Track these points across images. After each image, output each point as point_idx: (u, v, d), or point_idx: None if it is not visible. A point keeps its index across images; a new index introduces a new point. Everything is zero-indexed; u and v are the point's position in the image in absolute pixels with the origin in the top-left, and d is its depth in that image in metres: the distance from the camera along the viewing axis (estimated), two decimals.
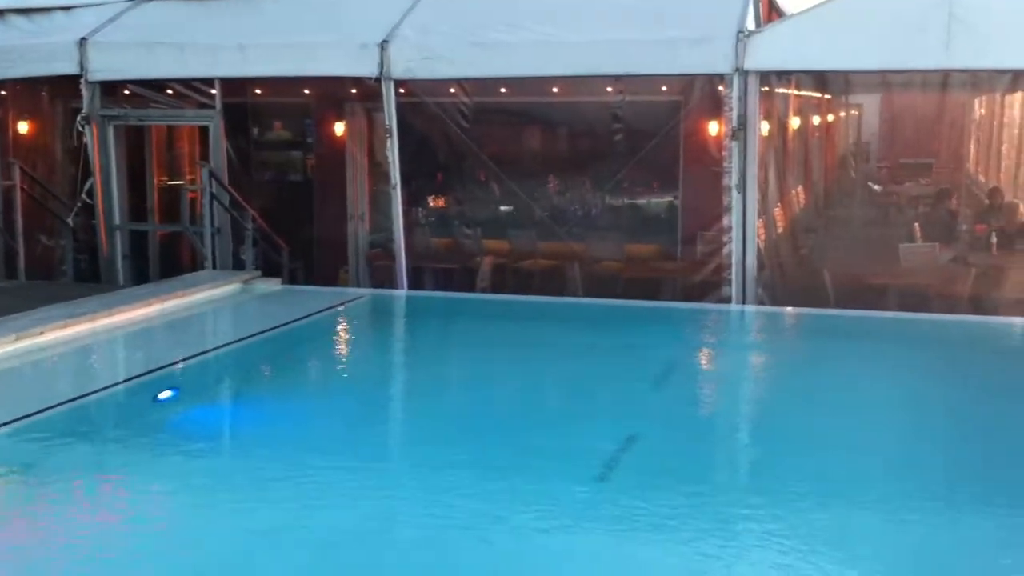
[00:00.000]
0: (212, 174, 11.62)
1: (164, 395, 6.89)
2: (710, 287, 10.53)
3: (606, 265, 11.99)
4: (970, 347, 8.66)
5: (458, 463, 5.73)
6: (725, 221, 10.28)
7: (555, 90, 12.15)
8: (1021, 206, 13.07)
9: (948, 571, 4.44)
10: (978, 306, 10.04)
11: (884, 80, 11.40)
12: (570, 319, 9.93)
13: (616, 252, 12.11)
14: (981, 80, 11.28)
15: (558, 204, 13.05)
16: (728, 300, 10.19)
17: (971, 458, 5.90)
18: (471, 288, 11.80)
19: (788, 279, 10.81)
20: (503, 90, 12.07)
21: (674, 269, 11.70)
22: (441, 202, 13.24)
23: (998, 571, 4.40)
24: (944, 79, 10.40)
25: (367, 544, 4.65)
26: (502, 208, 12.93)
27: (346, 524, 4.88)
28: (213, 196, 11.61)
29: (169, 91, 12.20)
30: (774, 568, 4.47)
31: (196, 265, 12.16)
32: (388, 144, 11.10)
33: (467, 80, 11.21)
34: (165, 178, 13.98)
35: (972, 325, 9.38)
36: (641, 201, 13.11)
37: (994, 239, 11.38)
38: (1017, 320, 8.96)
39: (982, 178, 17.73)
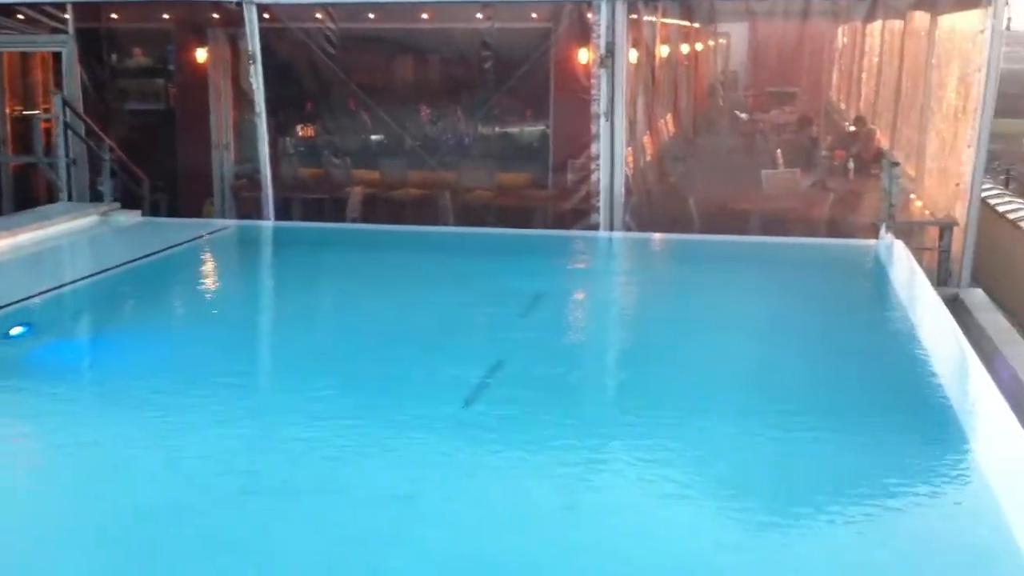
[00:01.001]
0: (66, 102, 11.14)
1: (15, 331, 6.63)
2: (579, 215, 10.63)
3: (478, 194, 11.97)
4: (827, 269, 8.94)
5: (326, 392, 5.70)
6: (594, 149, 10.36)
7: (424, 16, 11.96)
8: (878, 132, 13.52)
9: (803, 485, 4.61)
10: (835, 229, 10.38)
11: (749, 9, 11.57)
12: (441, 248, 9.90)
13: (487, 181, 12.10)
14: (841, 9, 11.55)
15: (429, 133, 12.92)
16: (597, 227, 10.30)
17: (827, 375, 6.12)
18: (341, 218, 11.66)
19: (655, 206, 10.98)
20: (371, 16, 11.83)
21: (544, 197, 11.76)
22: (309, 131, 12.97)
23: (850, 484, 4.59)
24: (806, 8, 10.60)
25: (233, 474, 4.59)
26: (372, 137, 12.75)
27: (211, 454, 4.81)
28: (67, 125, 11.15)
29: (19, 16, 11.60)
30: (639, 484, 4.60)
31: (52, 198, 11.70)
32: (252, 71, 10.80)
33: (333, 5, 10.96)
34: (19, 107, 13.37)
35: (830, 248, 9.69)
36: (513, 130, 13.09)
37: (851, 165, 11.77)
38: (871, 242, 9.27)
39: (843, 106, 18.27)
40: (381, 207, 11.88)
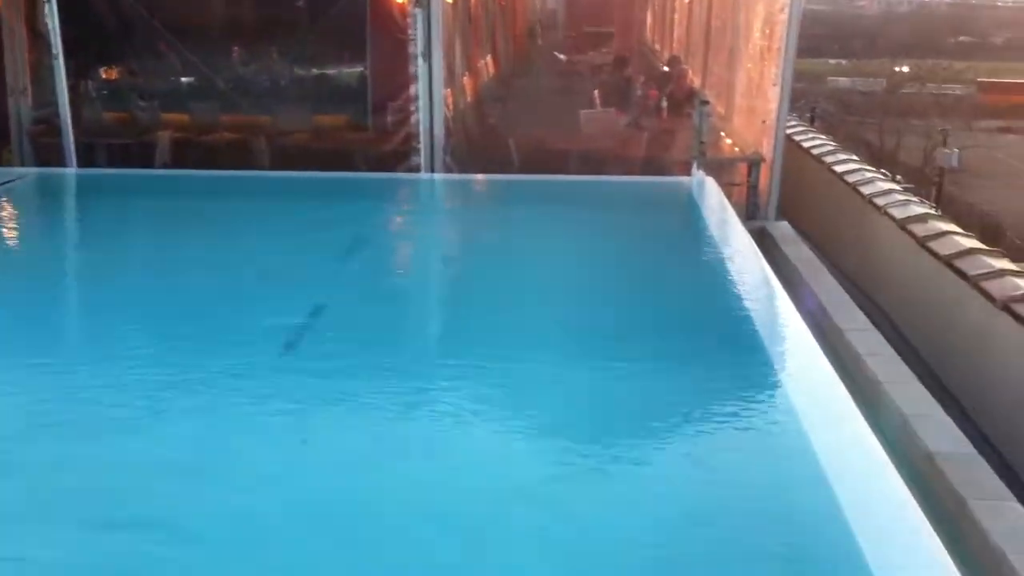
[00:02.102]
0: None
1: None
2: (400, 157, 10.50)
3: (294, 137, 11.69)
4: (643, 206, 9.14)
5: (138, 346, 5.48)
6: (412, 90, 10.22)
7: None
8: (690, 72, 13.85)
9: (622, 419, 4.73)
10: (650, 167, 10.61)
11: None
12: (256, 193, 9.61)
13: (304, 123, 11.82)
14: None
15: (243, 75, 12.51)
16: (418, 169, 10.21)
17: (644, 310, 6.26)
18: (149, 164, 11.17)
19: (476, 147, 10.97)
20: None
21: (364, 140, 11.57)
22: (113, 73, 12.34)
23: (666, 416, 4.73)
24: None
25: (36, 443, 4.37)
26: (182, 79, 12.24)
27: (13, 423, 4.56)
28: None
29: None
30: (462, 424, 4.62)
31: None
32: (47, 11, 10.16)
33: None
34: None
35: (645, 185, 9.90)
36: (330, 71, 12.80)
37: (665, 104, 12.04)
38: (684, 179, 9.51)
39: (657, 46, 18.62)
40: (192, 152, 11.43)
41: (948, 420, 5.19)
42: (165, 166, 11.19)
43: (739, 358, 5.49)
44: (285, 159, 11.16)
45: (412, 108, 10.24)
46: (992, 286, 7.08)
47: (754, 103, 10.66)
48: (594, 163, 10.66)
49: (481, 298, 6.48)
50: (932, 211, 9.59)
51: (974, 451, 4.86)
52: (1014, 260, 8.14)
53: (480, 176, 10.40)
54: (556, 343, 5.62)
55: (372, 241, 7.99)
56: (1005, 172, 53.47)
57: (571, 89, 14.15)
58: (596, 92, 12.91)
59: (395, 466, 4.19)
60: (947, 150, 43.44)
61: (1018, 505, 4.36)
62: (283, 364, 5.21)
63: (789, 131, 11.17)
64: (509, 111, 13.12)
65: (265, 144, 11.42)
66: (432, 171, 10.19)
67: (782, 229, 9.46)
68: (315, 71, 12.60)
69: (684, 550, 3.69)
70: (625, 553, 3.60)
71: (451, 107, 10.64)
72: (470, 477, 4.08)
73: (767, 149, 9.88)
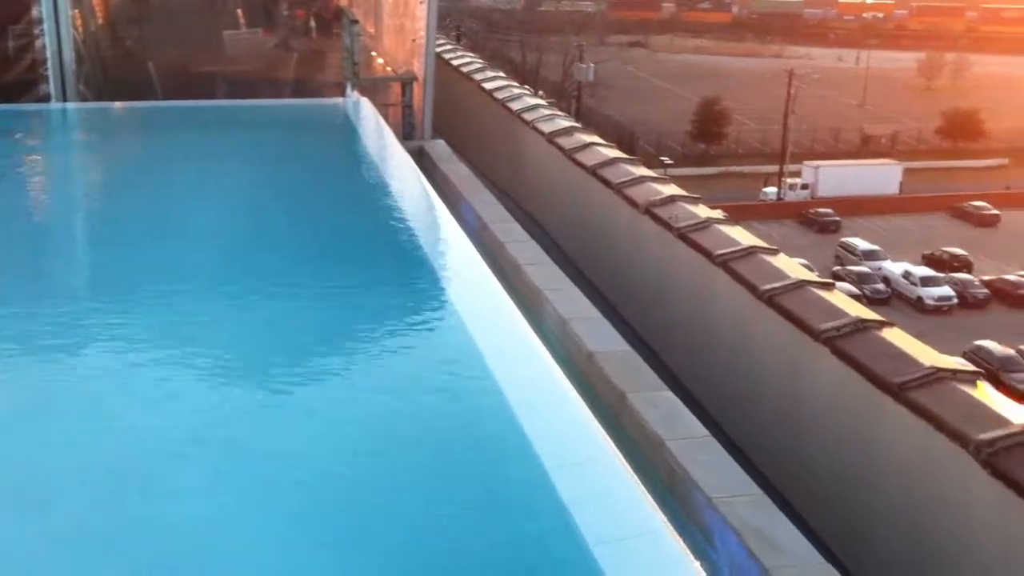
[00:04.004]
0: None
1: None
2: (27, 86, 9.59)
3: None
4: (297, 129, 8.96)
5: None
6: (35, 12, 9.33)
7: None
8: None
9: (295, 345, 4.65)
10: (302, 89, 10.37)
11: None
12: None
13: None
14: None
15: None
16: (47, 99, 9.38)
17: (307, 235, 6.17)
18: None
19: (112, 73, 10.23)
20: None
21: None
22: None
23: (339, 339, 4.71)
24: None
25: None
26: None
27: None
28: None
29: None
30: (114, 370, 4.37)
31: None
32: None
33: None
34: None
35: (298, 108, 9.69)
36: None
37: (313, 24, 11.77)
38: (338, 100, 9.39)
39: None
40: None
41: (604, 320, 5.50)
42: None
43: (405, 276, 5.55)
44: None
45: (36, 31, 9.37)
46: (635, 192, 7.56)
47: (403, 22, 10.65)
48: (243, 87, 10.26)
49: (133, 237, 6.11)
50: (575, 124, 10.06)
51: (629, 348, 5.19)
52: (648, 166, 8.75)
53: (119, 104, 9.73)
54: (220, 278, 5.42)
55: (2, 181, 7.29)
56: (635, 84, 57.34)
57: (212, 8, 13.48)
58: (240, 12, 12.38)
59: (53, 421, 3.89)
60: (583, 65, 45.91)
61: (670, 394, 4.72)
62: None
63: (439, 50, 11.28)
64: (147, 33, 12.32)
65: None
66: (64, 100, 9.40)
67: (439, 148, 9.58)
68: None
69: (370, 461, 3.71)
70: (312, 486, 3.56)
71: (81, 29, 9.83)
72: (136, 426, 3.87)
73: (419, 68, 9.91)
